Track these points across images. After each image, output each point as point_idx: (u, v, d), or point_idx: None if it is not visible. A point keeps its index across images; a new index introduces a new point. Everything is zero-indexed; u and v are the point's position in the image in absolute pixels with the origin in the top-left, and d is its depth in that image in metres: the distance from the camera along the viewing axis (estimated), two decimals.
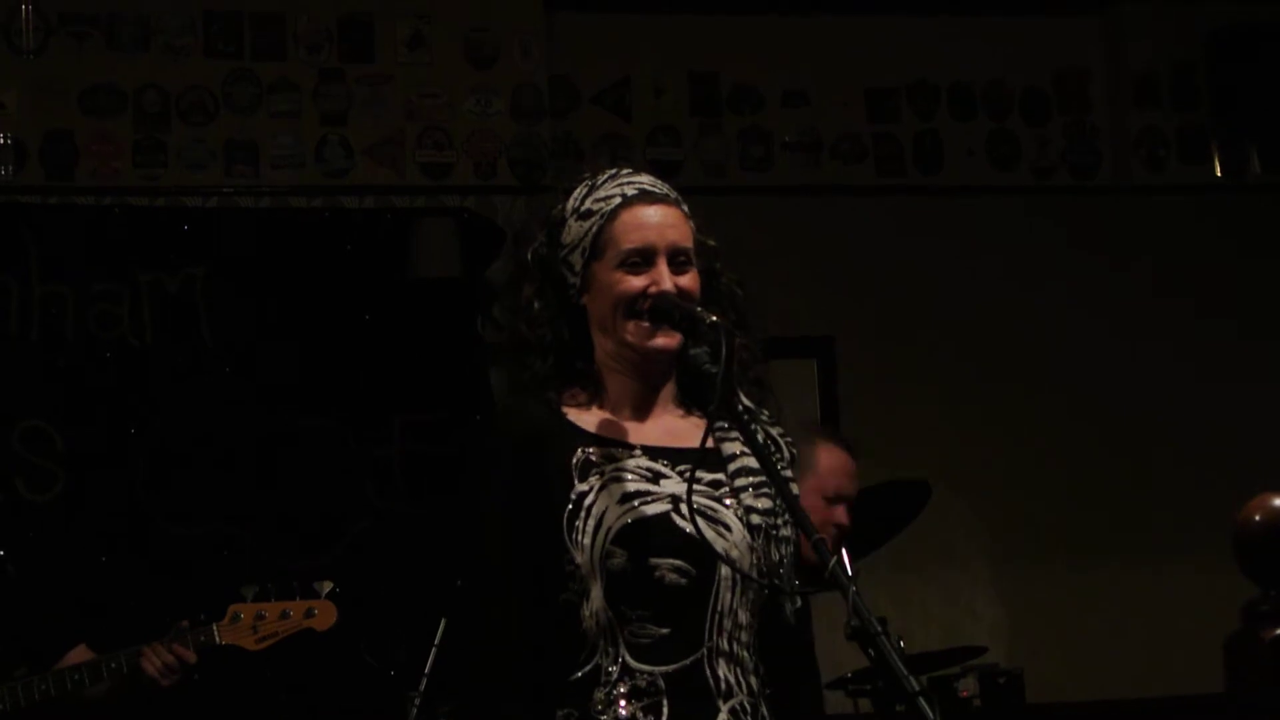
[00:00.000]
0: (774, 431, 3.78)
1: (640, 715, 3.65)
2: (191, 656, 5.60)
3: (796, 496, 3.59)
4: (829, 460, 5.51)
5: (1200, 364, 8.64)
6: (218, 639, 5.53)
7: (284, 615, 5.55)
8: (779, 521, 3.71)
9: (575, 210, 3.80)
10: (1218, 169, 8.91)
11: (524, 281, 3.85)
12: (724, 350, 3.52)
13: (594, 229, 3.75)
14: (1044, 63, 8.90)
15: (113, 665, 5.65)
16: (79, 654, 5.77)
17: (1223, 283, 8.74)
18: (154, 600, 6.72)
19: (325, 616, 5.61)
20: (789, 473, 3.72)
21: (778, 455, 3.73)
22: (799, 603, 3.78)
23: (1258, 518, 2.76)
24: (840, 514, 5.48)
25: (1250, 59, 8.82)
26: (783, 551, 3.72)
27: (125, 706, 5.89)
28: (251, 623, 5.54)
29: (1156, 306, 8.70)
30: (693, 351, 3.61)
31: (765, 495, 3.69)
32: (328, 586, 5.75)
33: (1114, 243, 8.76)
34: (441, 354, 8.18)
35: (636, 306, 3.66)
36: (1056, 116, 8.90)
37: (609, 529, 3.63)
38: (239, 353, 8.07)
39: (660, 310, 3.63)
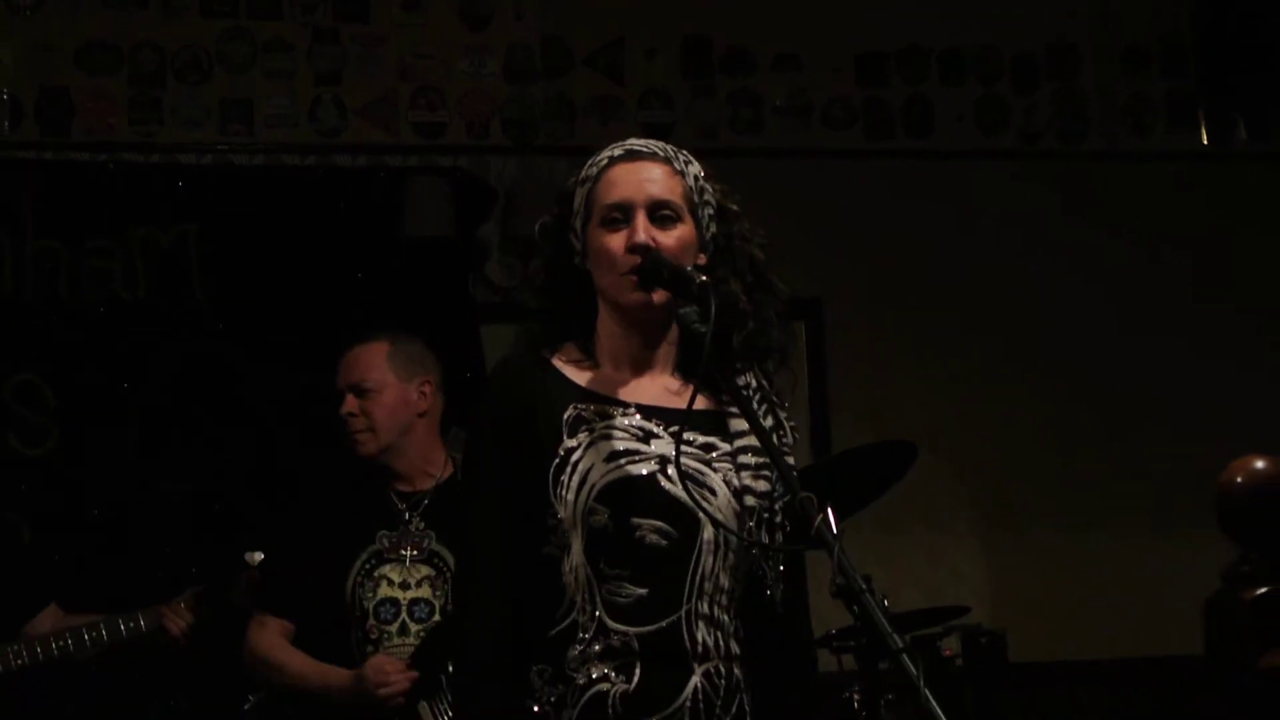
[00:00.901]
0: (781, 414, 3.81)
1: (612, 676, 3.67)
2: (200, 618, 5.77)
3: (794, 474, 3.59)
4: None
5: (1189, 332, 8.67)
6: (236, 601, 5.64)
7: None
8: (775, 507, 3.72)
9: (579, 180, 3.82)
10: (1204, 136, 8.93)
11: (537, 254, 3.90)
12: (712, 310, 3.52)
13: (588, 190, 3.79)
14: (1034, 30, 8.91)
15: (131, 624, 5.70)
16: (50, 614, 5.82)
17: (1211, 250, 8.77)
18: (143, 559, 6.72)
19: None
20: (791, 458, 3.71)
21: (780, 435, 3.75)
22: (779, 586, 3.79)
23: (1240, 479, 2.79)
24: None
25: (1237, 29, 8.84)
26: (774, 537, 3.73)
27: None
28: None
29: (1145, 272, 8.73)
30: (682, 311, 3.64)
31: (764, 478, 3.71)
32: (258, 557, 5.81)
33: (1103, 208, 8.79)
34: (433, 312, 8.18)
35: (622, 266, 3.68)
36: (1045, 83, 8.91)
37: (593, 485, 3.66)
38: (231, 309, 8.06)
39: (646, 270, 3.64)
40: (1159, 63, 8.94)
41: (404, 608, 5.64)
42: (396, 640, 5.61)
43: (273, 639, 5.76)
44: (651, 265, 3.63)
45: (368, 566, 5.64)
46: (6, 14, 8.12)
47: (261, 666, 5.78)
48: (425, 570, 5.66)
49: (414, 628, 5.63)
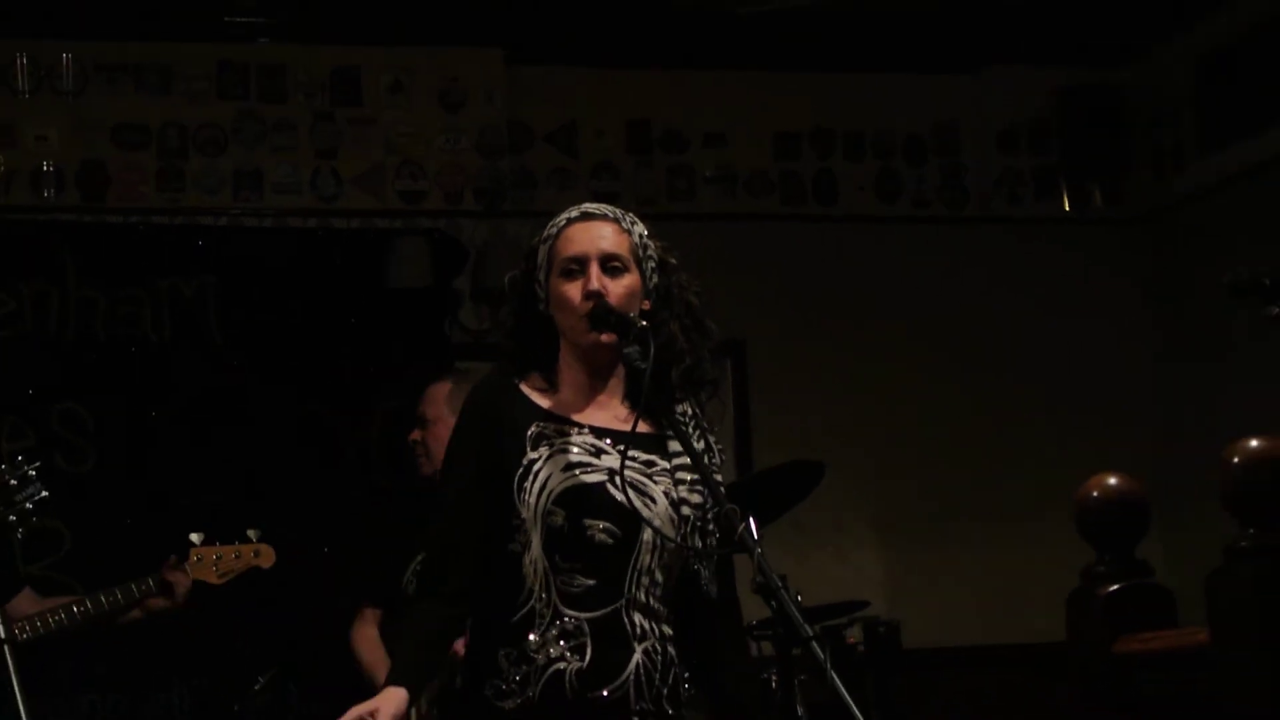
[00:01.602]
0: (710, 439, 3.84)
1: (568, 655, 3.70)
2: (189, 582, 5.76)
3: (721, 489, 3.62)
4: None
5: (1051, 364, 8.70)
6: (189, 574, 5.63)
7: (236, 556, 5.72)
8: (707, 516, 3.75)
9: (540, 240, 3.87)
10: (1066, 204, 8.96)
11: (507, 302, 3.94)
12: (650, 350, 3.61)
13: (549, 247, 3.83)
14: (923, 114, 8.94)
15: (142, 588, 5.70)
16: (26, 596, 5.79)
17: (1072, 297, 8.81)
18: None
19: (267, 557, 5.81)
20: (719, 476, 3.75)
21: (710, 457, 3.77)
22: (713, 583, 3.83)
23: (1095, 494, 2.80)
24: None
25: (1093, 112, 8.88)
26: (705, 542, 3.77)
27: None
28: (213, 562, 5.67)
29: (1017, 315, 8.75)
30: (626, 350, 3.68)
31: (698, 492, 3.74)
32: (255, 533, 5.80)
33: (982, 263, 8.82)
34: (414, 352, 8.19)
35: (579, 311, 3.72)
36: (933, 159, 8.94)
37: (551, 491, 3.71)
38: (244, 349, 8.08)
39: (597, 315, 3.69)
40: (1027, 141, 8.97)
41: None
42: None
43: (365, 632, 5.93)
44: (601, 312, 3.67)
45: None
46: (52, 98, 8.11)
47: (355, 657, 5.90)
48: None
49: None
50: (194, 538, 5.71)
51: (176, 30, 8.20)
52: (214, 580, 5.69)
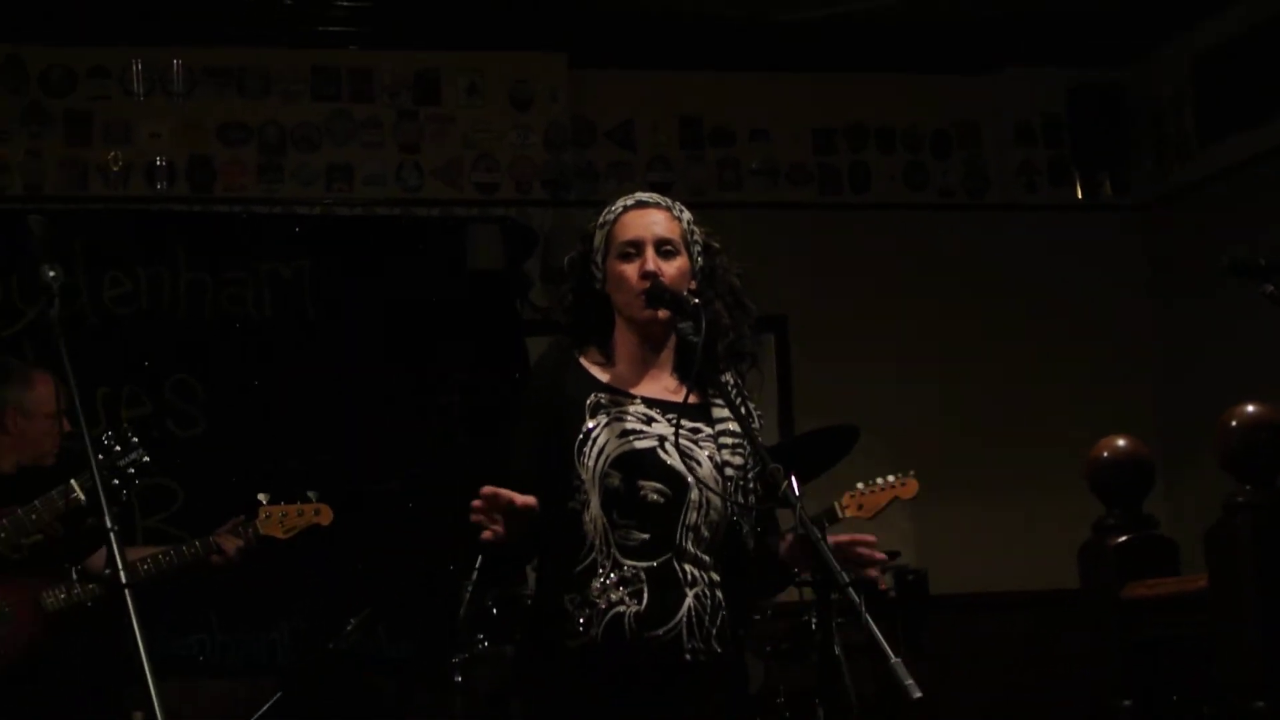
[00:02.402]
0: (750, 406, 3.87)
1: (627, 600, 3.74)
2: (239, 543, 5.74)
3: (767, 451, 3.65)
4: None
5: (1063, 335, 8.67)
6: (260, 530, 5.67)
7: (299, 514, 5.76)
8: (748, 476, 3.80)
9: (597, 225, 3.90)
10: (1079, 192, 8.92)
11: (565, 283, 3.99)
12: (703, 325, 3.66)
13: (606, 231, 3.86)
14: (947, 111, 8.91)
15: (204, 546, 5.75)
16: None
17: (1083, 276, 8.78)
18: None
19: (325, 515, 5.81)
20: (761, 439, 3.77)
21: (751, 422, 3.80)
22: (751, 537, 3.87)
23: (1105, 454, 2.79)
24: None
25: (1101, 108, 8.84)
26: (746, 499, 3.82)
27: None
28: (278, 519, 5.71)
29: (1033, 293, 8.72)
30: (680, 325, 3.72)
31: (739, 454, 3.80)
32: (314, 494, 5.80)
33: (1001, 247, 8.80)
34: (489, 327, 8.20)
35: (635, 289, 3.77)
36: (956, 152, 8.91)
37: (608, 455, 3.76)
38: (336, 325, 8.10)
39: (654, 294, 3.74)
40: (1041, 135, 8.92)
41: None
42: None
43: None
44: (657, 290, 3.71)
45: None
46: (164, 99, 8.14)
47: None
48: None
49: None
50: (261, 498, 5.75)
51: (275, 38, 8.24)
52: (280, 535, 5.74)
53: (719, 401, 3.82)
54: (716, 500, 3.79)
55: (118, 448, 5.33)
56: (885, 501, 5.82)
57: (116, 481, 5.29)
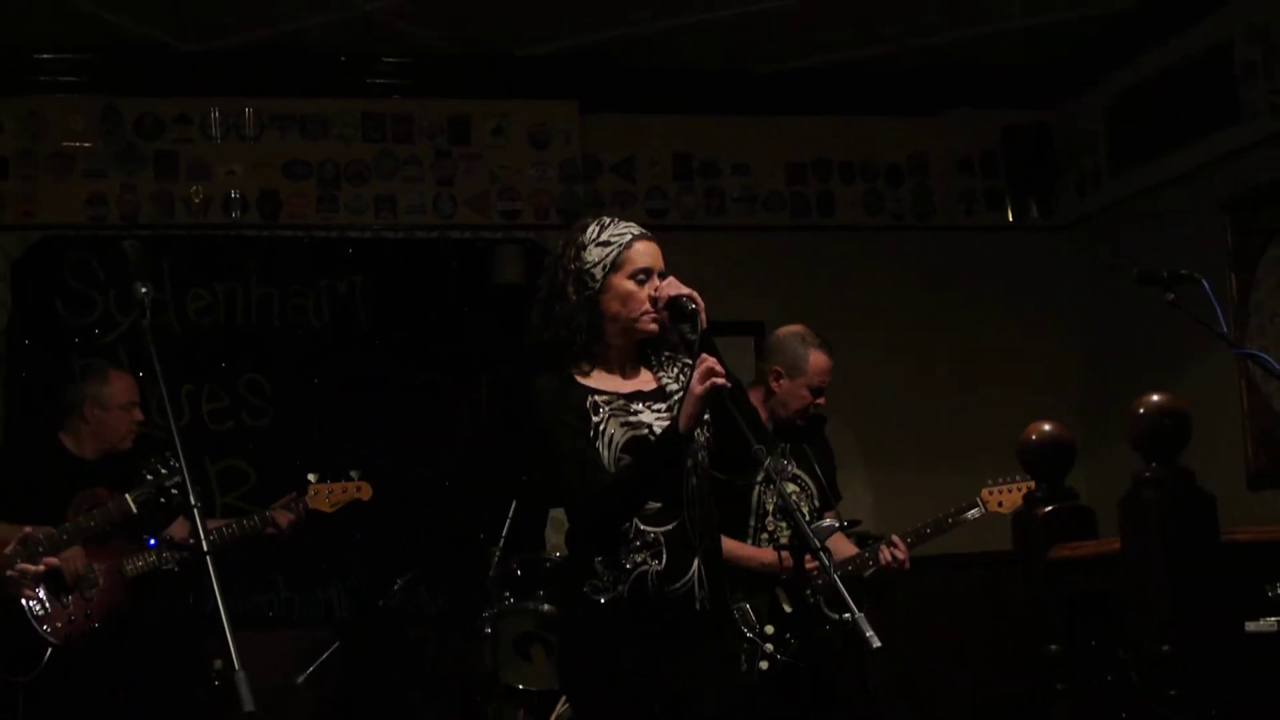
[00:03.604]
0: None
1: (649, 560, 3.77)
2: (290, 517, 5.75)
3: (746, 425, 3.68)
4: (816, 362, 5.49)
5: (1005, 331, 8.67)
6: (309, 505, 5.68)
7: (343, 490, 5.78)
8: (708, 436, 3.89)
9: (593, 241, 3.96)
10: (1010, 215, 8.93)
11: (548, 288, 4.04)
12: (700, 326, 3.75)
13: (614, 253, 3.88)
14: (899, 147, 8.89)
15: (259, 519, 5.75)
16: (180, 523, 5.81)
17: (1015, 286, 8.77)
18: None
19: (365, 491, 5.88)
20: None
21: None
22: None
23: (1034, 437, 2.80)
24: (820, 401, 5.49)
25: (1030, 144, 8.84)
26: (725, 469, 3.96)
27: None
28: (325, 495, 5.72)
29: (974, 301, 8.73)
30: (681, 325, 3.74)
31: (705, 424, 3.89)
32: (357, 473, 5.84)
33: (945, 262, 8.79)
34: (512, 331, 8.18)
35: (655, 305, 3.85)
36: (907, 181, 8.89)
37: (617, 443, 3.79)
38: (384, 332, 8.14)
39: (677, 308, 3.80)
40: (979, 167, 8.92)
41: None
42: (787, 534, 5.47)
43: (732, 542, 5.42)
44: (679, 306, 3.79)
45: (765, 479, 5.36)
46: (237, 142, 8.15)
47: (729, 557, 5.43)
48: (794, 487, 5.55)
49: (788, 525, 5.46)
50: (311, 477, 5.78)
51: (330, 90, 8.24)
52: (326, 509, 5.77)
53: (672, 375, 3.95)
54: (705, 463, 3.86)
55: (163, 470, 5.33)
56: (1020, 498, 5.74)
57: (163, 500, 5.30)
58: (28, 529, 4.67)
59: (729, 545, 5.26)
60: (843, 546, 5.60)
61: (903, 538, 5.55)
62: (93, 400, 6.03)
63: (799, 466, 5.60)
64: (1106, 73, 8.42)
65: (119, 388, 6.08)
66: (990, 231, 8.92)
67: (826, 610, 5.41)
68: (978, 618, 8.03)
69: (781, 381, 5.51)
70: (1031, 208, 8.92)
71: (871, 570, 5.42)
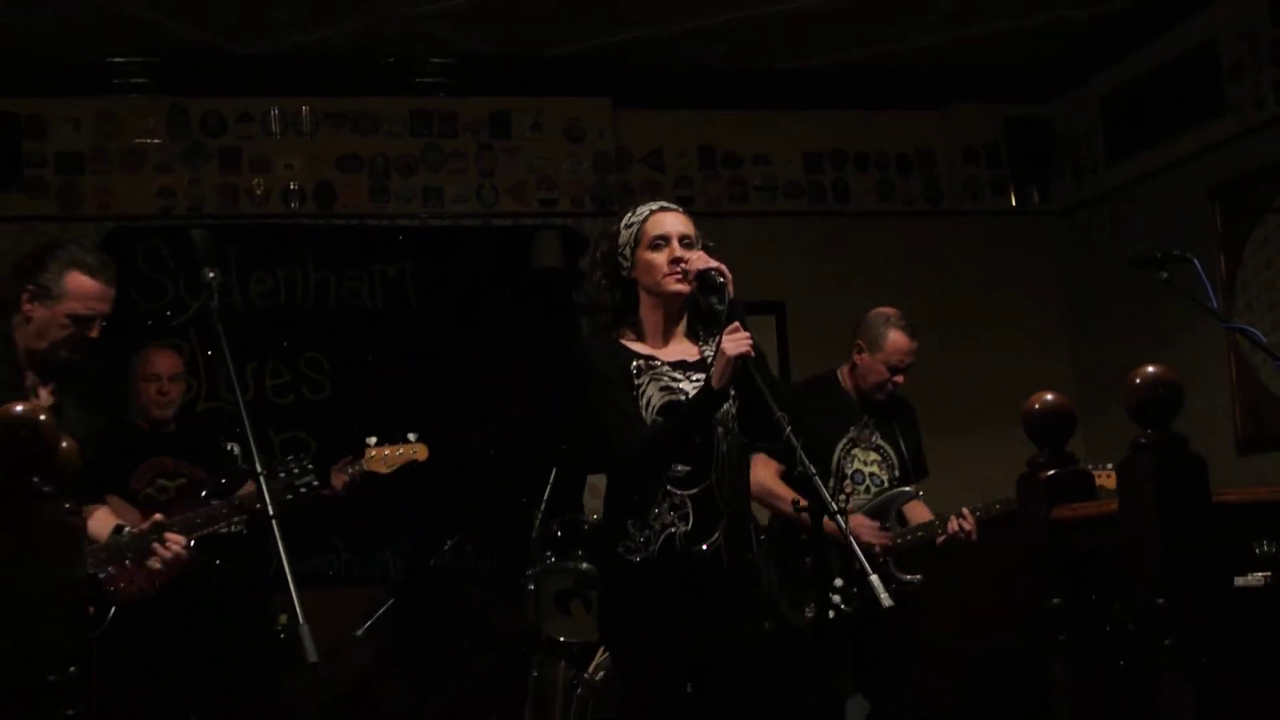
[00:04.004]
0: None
1: (677, 521, 3.77)
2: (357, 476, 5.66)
3: (772, 399, 3.65)
4: (894, 341, 5.50)
5: (1007, 309, 8.65)
6: (365, 467, 5.58)
7: (399, 453, 5.65)
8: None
9: (624, 226, 4.00)
10: (1013, 200, 8.90)
11: (594, 271, 4.06)
12: (728, 297, 3.74)
13: (636, 229, 3.90)
14: (909, 138, 8.87)
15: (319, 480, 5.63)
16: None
17: (1020, 263, 8.74)
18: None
19: (422, 452, 5.70)
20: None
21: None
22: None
23: (1037, 406, 2.79)
24: (898, 380, 5.53)
25: (1031, 135, 8.82)
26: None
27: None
28: (381, 457, 5.62)
29: (979, 278, 8.70)
30: (710, 297, 3.74)
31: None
32: (414, 436, 5.70)
33: (952, 243, 8.77)
34: (552, 311, 8.21)
35: (663, 271, 3.85)
36: (917, 170, 8.87)
37: (654, 406, 3.79)
38: (431, 313, 8.15)
39: (706, 280, 3.78)
40: (984, 157, 8.88)
41: (866, 476, 5.55)
42: (862, 496, 5.50)
43: (772, 475, 5.39)
44: (705, 281, 3.78)
45: (847, 445, 5.49)
46: (295, 137, 8.16)
47: (763, 492, 5.33)
48: (876, 456, 5.57)
49: (870, 491, 5.54)
50: (369, 440, 5.72)
51: (381, 89, 8.25)
52: (383, 470, 5.68)
53: (709, 353, 3.86)
54: (735, 431, 3.85)
55: (295, 470, 5.27)
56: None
57: (290, 497, 5.20)
58: (158, 516, 4.54)
59: (770, 483, 5.35)
60: (920, 513, 5.61)
61: (972, 511, 5.57)
62: (131, 374, 6.05)
63: (883, 439, 5.63)
64: (1101, 69, 8.39)
65: (145, 360, 6.06)
66: (994, 216, 8.88)
67: (895, 572, 5.45)
68: (985, 575, 8.00)
69: (863, 355, 5.58)
70: (1033, 194, 8.89)
71: (943, 538, 5.43)
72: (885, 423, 5.64)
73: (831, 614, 5.23)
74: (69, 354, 4.17)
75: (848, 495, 5.42)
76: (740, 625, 3.89)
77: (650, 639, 3.80)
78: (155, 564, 4.25)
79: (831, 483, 5.43)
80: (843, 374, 5.72)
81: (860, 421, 5.57)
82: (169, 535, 4.33)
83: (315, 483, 5.16)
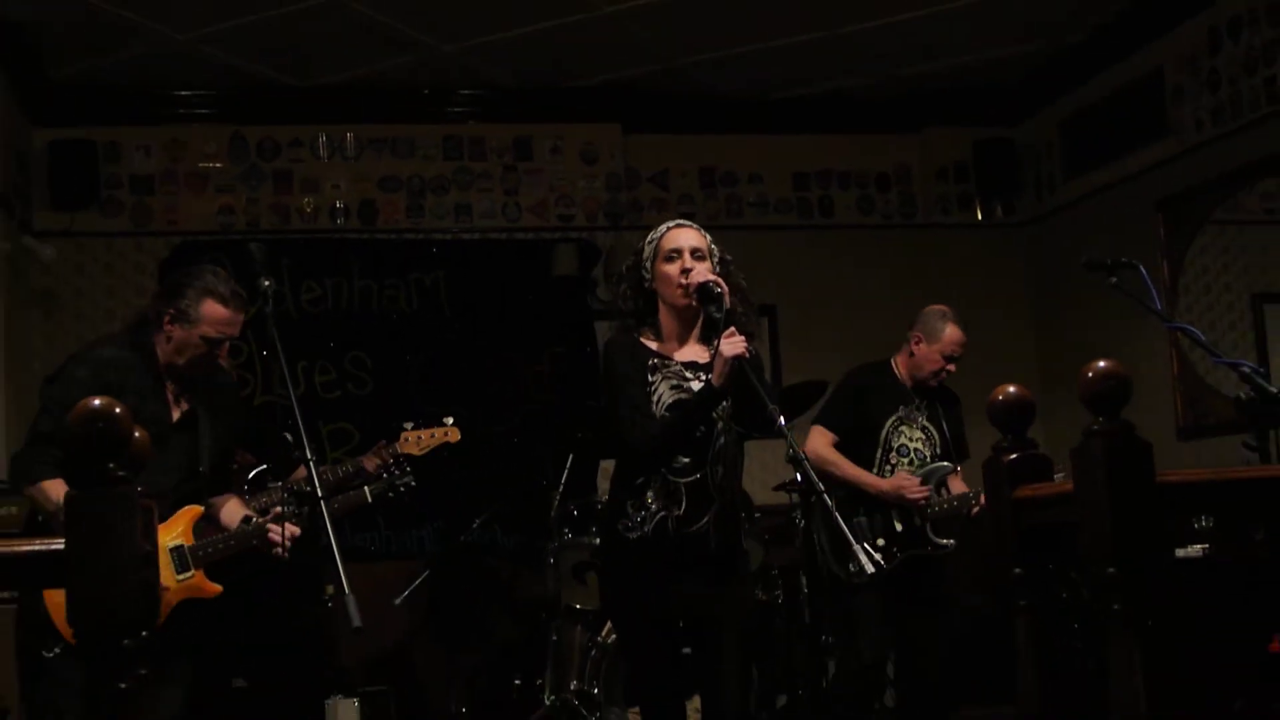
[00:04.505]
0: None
1: (670, 506, 3.76)
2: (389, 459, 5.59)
3: (765, 394, 3.66)
4: (950, 334, 5.52)
5: (975, 305, 8.65)
6: (399, 450, 5.54)
7: (432, 435, 5.58)
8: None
9: (646, 242, 4.02)
10: (979, 214, 8.90)
11: (620, 281, 4.03)
12: (725, 306, 3.74)
13: (654, 244, 3.90)
14: (888, 158, 8.87)
15: (351, 467, 5.62)
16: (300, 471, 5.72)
17: (984, 270, 8.73)
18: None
19: (454, 434, 5.65)
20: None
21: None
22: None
23: (1000, 397, 2.80)
24: (950, 368, 5.54)
25: (996, 155, 8.81)
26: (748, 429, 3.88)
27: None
28: (415, 441, 5.56)
29: (948, 283, 8.68)
30: (709, 306, 3.73)
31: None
32: (450, 420, 5.66)
33: (928, 253, 8.76)
34: (569, 315, 8.21)
35: (676, 281, 3.83)
36: (894, 187, 8.87)
37: (664, 402, 3.76)
38: (462, 316, 8.14)
39: (705, 291, 3.78)
40: (953, 175, 8.88)
41: (910, 451, 5.56)
42: (906, 468, 5.50)
43: (828, 444, 5.51)
44: (706, 287, 3.78)
45: (895, 422, 5.50)
46: (341, 161, 8.17)
47: (820, 460, 5.43)
48: (920, 434, 5.59)
49: (914, 464, 5.53)
50: (406, 425, 5.70)
51: (416, 117, 8.26)
52: (416, 453, 5.62)
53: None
54: (733, 428, 3.84)
55: (396, 471, 5.22)
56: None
57: (391, 494, 5.18)
58: (277, 509, 4.50)
59: (858, 472, 5.43)
60: (959, 487, 5.64)
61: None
62: None
63: (929, 420, 5.67)
64: (1059, 95, 8.39)
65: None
66: (963, 229, 8.88)
67: (930, 535, 5.50)
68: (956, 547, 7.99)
69: (920, 346, 5.61)
70: (998, 208, 8.89)
71: (976, 509, 5.46)
72: (933, 407, 5.69)
73: (872, 570, 5.21)
74: (201, 370, 4.24)
75: (893, 465, 5.48)
76: (728, 591, 3.89)
77: (645, 608, 3.82)
78: (279, 551, 4.32)
79: (879, 453, 5.49)
80: (896, 362, 5.75)
81: (911, 403, 5.61)
82: (287, 525, 4.36)
83: (413, 483, 5.17)
